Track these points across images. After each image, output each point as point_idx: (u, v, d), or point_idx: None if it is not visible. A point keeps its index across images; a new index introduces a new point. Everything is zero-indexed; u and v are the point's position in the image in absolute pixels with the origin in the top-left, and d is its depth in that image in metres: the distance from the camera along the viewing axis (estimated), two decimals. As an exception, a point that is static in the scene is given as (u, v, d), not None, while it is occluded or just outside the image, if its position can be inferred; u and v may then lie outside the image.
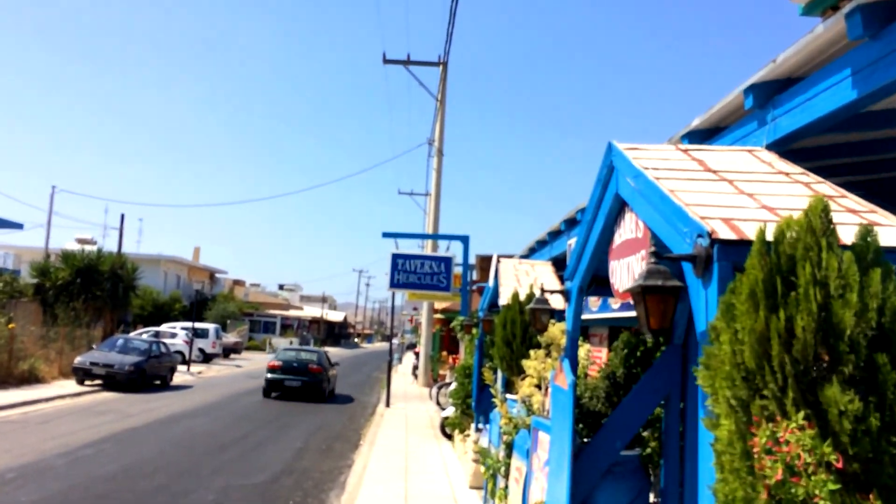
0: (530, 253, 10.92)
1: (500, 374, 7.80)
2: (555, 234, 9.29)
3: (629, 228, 3.47)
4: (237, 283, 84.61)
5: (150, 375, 23.54)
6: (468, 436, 11.80)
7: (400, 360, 50.63)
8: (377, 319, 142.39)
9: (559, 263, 9.21)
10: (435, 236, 20.58)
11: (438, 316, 33.32)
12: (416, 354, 36.82)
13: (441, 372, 32.47)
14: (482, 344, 10.33)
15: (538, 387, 6.36)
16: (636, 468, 4.52)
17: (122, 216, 32.01)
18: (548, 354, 6.19)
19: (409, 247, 15.90)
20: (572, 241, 7.74)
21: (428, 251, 22.77)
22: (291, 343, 65.89)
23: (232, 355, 46.52)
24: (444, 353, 33.20)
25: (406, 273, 14.97)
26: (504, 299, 7.99)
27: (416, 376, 32.85)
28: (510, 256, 10.75)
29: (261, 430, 15.57)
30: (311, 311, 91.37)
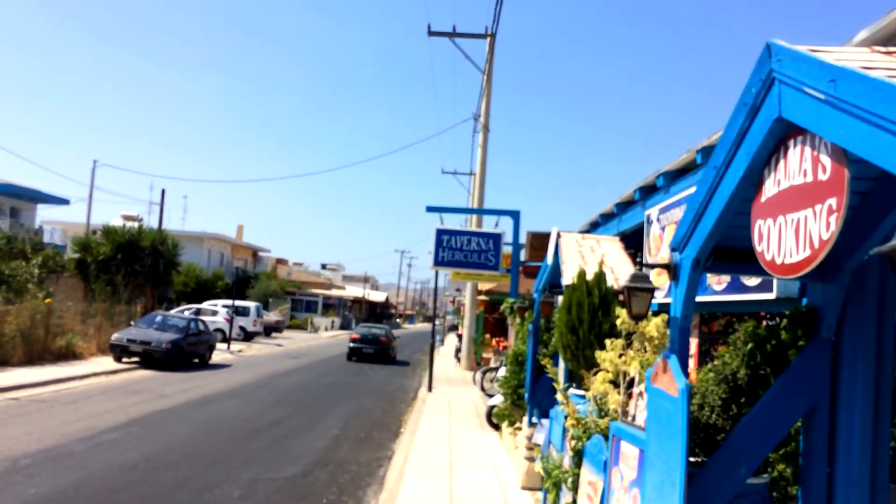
0: (591, 228, 9.79)
1: (561, 364, 6.73)
2: (624, 206, 8.16)
3: (798, 169, 2.38)
4: (280, 261, 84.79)
5: (188, 353, 23.02)
6: (519, 429, 10.77)
7: (442, 342, 49.84)
8: (419, 300, 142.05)
9: (629, 239, 8.10)
10: (482, 211, 19.21)
11: (482, 298, 32.28)
12: (459, 337, 35.88)
13: (485, 355, 31.49)
14: (537, 329, 9.26)
15: (614, 384, 5.27)
16: (764, 501, 3.43)
17: (163, 192, 31.62)
18: (628, 345, 5.09)
19: (454, 224, 14.82)
20: (651, 211, 6.61)
21: (473, 228, 21.55)
22: (333, 322, 65.85)
23: (273, 334, 46.20)
24: (488, 336, 32.19)
25: (451, 250, 13.89)
26: (567, 279, 6.89)
27: (458, 359, 31.91)
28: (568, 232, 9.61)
29: (296, 415, 14.76)
30: (353, 291, 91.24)
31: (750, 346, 3.65)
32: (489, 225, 21.47)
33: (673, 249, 3.44)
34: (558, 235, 7.76)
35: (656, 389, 3.45)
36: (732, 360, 3.77)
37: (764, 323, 4.27)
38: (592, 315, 6.30)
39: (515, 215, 14.20)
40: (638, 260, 3.60)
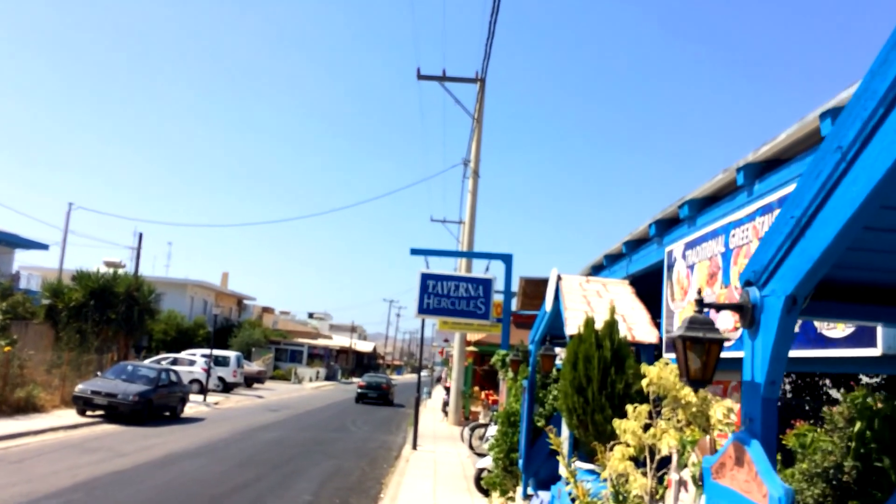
0: (594, 272, 8.77)
1: (565, 430, 5.61)
2: (635, 244, 7.15)
3: None
4: (266, 310, 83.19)
5: (157, 406, 21.62)
6: (512, 499, 9.54)
7: (429, 394, 48.27)
8: (407, 350, 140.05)
9: (640, 283, 7.07)
10: (471, 254, 18.01)
11: (471, 349, 31.02)
12: (447, 389, 34.48)
13: (473, 409, 30.11)
14: (533, 385, 8.14)
15: (636, 461, 4.15)
16: None
17: (140, 235, 30.47)
18: (657, 412, 3.99)
19: (441, 269, 13.73)
20: (674, 247, 5.58)
21: (462, 273, 20.40)
22: (318, 373, 64.11)
23: (255, 385, 44.58)
24: (477, 389, 30.84)
25: (437, 297, 12.77)
26: (572, 328, 5.82)
27: (446, 413, 30.48)
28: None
29: (266, 478, 13.43)
30: (340, 341, 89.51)
31: (859, 426, 2.58)
32: (479, 270, 20.49)
33: (748, 284, 2.40)
34: (559, 278, 6.71)
35: (724, 489, 2.35)
36: (825, 444, 2.68)
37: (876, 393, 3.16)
38: (604, 372, 5.21)
39: (507, 259, 13.13)
40: (698, 297, 2.64)
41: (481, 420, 25.44)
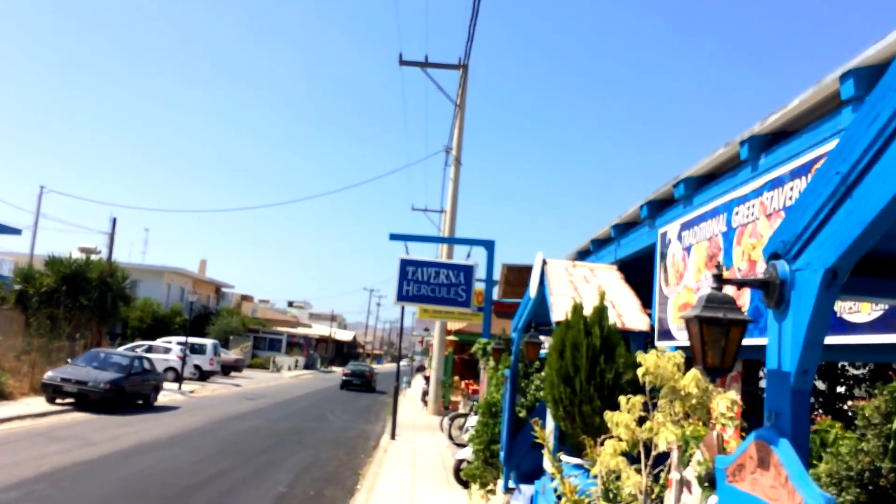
0: (581, 257, 8.46)
1: (550, 421, 5.31)
2: (625, 227, 6.83)
3: None
4: (245, 298, 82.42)
5: (129, 394, 21.13)
6: (492, 492, 9.26)
7: (409, 383, 47.99)
8: (387, 340, 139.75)
9: (628, 269, 6.77)
10: (452, 240, 17.60)
11: (452, 338, 30.75)
12: (427, 378, 34.23)
13: (453, 398, 29.86)
14: (515, 375, 7.84)
15: (629, 457, 3.85)
16: None
17: (114, 220, 29.79)
18: (653, 405, 3.69)
19: (422, 256, 13.34)
20: (668, 229, 5.26)
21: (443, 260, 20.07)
22: (297, 361, 63.63)
23: (232, 373, 44.04)
24: (457, 379, 30.60)
25: (417, 283, 12.40)
26: (558, 314, 5.51)
27: (425, 403, 30.23)
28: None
29: (240, 468, 13.06)
30: (319, 330, 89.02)
31: (898, 421, 2.28)
32: (460, 258, 20.17)
33: (774, 257, 2.09)
34: (544, 262, 6.40)
35: (744, 495, 2.05)
36: (868, 446, 2.38)
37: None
38: (592, 361, 4.90)
39: (489, 245, 12.78)
40: (716, 272, 2.34)
41: (461, 410, 25.19)
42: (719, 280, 2.23)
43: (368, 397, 37.16)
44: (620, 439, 3.91)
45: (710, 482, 3.21)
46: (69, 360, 22.12)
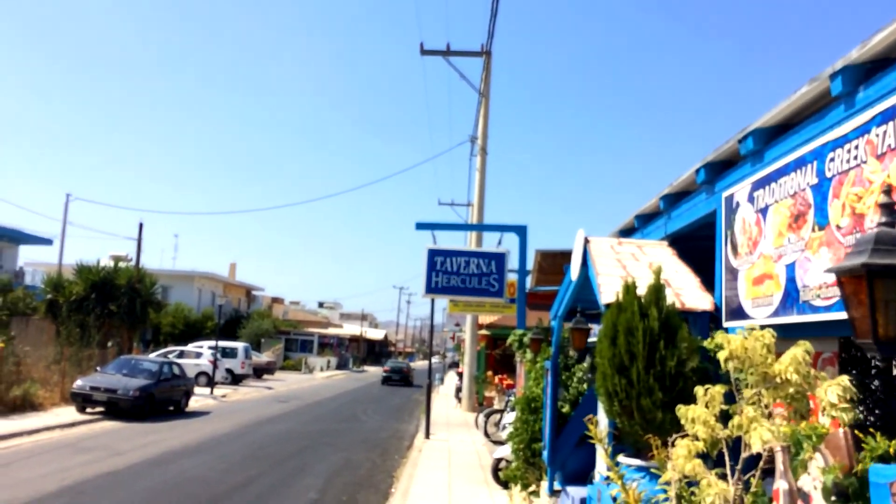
0: (623, 236, 7.74)
1: (604, 417, 4.65)
2: (675, 198, 6.10)
3: None
4: (276, 300, 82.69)
5: (160, 401, 20.83)
6: (535, 494, 8.61)
7: (442, 380, 47.48)
8: (419, 337, 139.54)
9: (680, 245, 6.07)
10: (482, 227, 16.73)
11: (483, 332, 30.11)
12: (459, 375, 33.63)
13: (487, 394, 29.22)
14: (557, 367, 7.19)
15: (706, 459, 3.19)
16: None
17: (141, 225, 29.59)
18: (732, 395, 3.02)
19: (449, 244, 12.68)
20: (734, 191, 4.53)
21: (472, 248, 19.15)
22: (329, 362, 63.47)
23: (264, 376, 43.88)
24: (490, 374, 29.96)
25: (447, 275, 11.74)
26: (608, 295, 4.85)
27: (459, 399, 29.63)
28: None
29: (269, 474, 12.57)
30: (350, 329, 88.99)
31: None
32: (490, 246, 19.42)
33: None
34: (586, 241, 5.74)
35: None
36: None
37: None
38: (651, 347, 4.24)
39: (521, 231, 12.08)
40: (885, 200, 1.76)
41: (496, 406, 24.56)
42: (890, 209, 1.57)
43: (401, 396, 36.76)
44: (696, 438, 3.25)
45: (840, 496, 2.57)
46: (98, 369, 21.87)
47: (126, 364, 21.65)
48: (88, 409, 19.70)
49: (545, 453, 7.45)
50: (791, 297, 3.76)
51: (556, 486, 7.30)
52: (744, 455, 2.84)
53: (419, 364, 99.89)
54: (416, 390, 39.47)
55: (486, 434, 18.20)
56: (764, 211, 4.16)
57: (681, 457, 3.19)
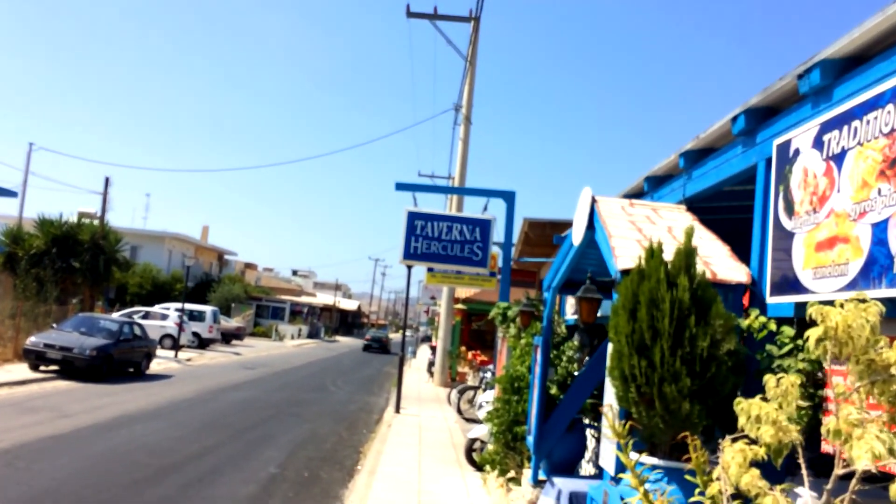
0: (632, 197, 6.96)
1: (614, 405, 3.90)
2: (699, 155, 5.30)
3: None
4: (249, 266, 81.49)
5: (119, 362, 19.89)
6: (514, 480, 7.91)
7: (414, 353, 46.92)
8: (392, 310, 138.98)
9: (703, 209, 5.30)
10: (466, 191, 15.58)
11: (459, 307, 29.41)
12: (433, 349, 32.97)
13: (460, 370, 28.61)
14: (548, 344, 6.44)
15: (762, 468, 2.46)
16: None
17: (107, 179, 28.35)
18: (814, 380, 2.27)
19: (430, 207, 11.81)
20: (792, 136, 3.75)
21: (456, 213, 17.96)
22: (300, 330, 62.61)
23: (233, 341, 42.95)
24: (464, 349, 29.33)
25: (427, 240, 10.86)
26: (625, 261, 4.09)
27: (431, 374, 28.99)
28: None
29: (228, 444, 11.78)
30: (324, 299, 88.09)
31: None
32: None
33: None
34: (594, 200, 4.96)
35: None
36: None
37: None
38: (679, 323, 3.49)
39: (509, 197, 11.22)
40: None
41: (469, 382, 23.94)
42: None
43: (372, 367, 36.14)
44: (750, 441, 2.51)
45: None
46: (55, 326, 20.84)
47: (84, 322, 20.66)
48: (42, 368, 18.74)
49: (529, 438, 6.73)
50: (878, 265, 3.01)
51: (541, 476, 6.60)
52: (837, 472, 2.09)
53: (392, 336, 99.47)
54: (390, 360, 38.87)
55: (459, 411, 17.55)
56: (839, 158, 3.38)
57: (734, 464, 2.43)
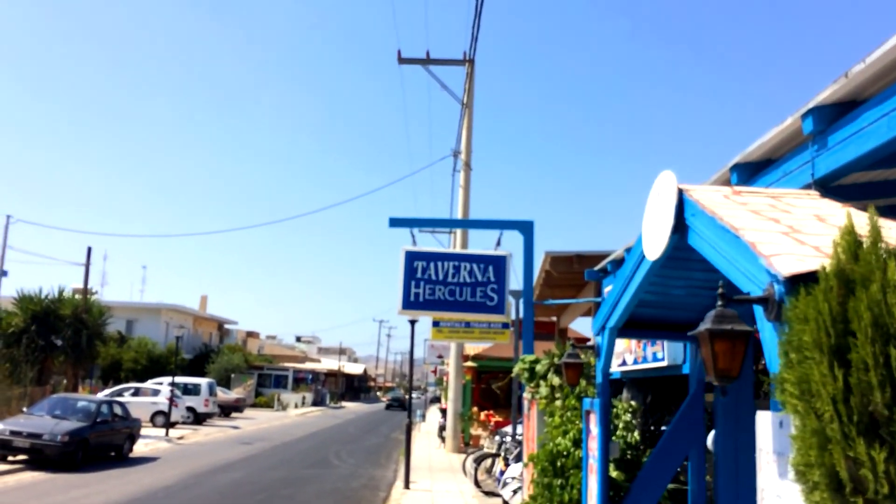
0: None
1: (772, 484, 2.08)
2: (840, 114, 3.61)
3: None
4: (251, 334, 79.57)
5: (96, 446, 17.93)
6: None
7: (423, 416, 44.62)
8: (399, 372, 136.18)
9: (840, 192, 3.63)
10: (474, 223, 13.01)
11: (469, 364, 27.44)
12: (443, 411, 30.84)
13: (473, 432, 26.50)
14: (607, 407, 4.65)
15: None
16: None
17: (89, 249, 26.74)
18: None
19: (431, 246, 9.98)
20: None
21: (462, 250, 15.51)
22: (304, 398, 60.25)
23: (233, 414, 40.77)
24: (476, 410, 27.25)
25: (430, 284, 8.96)
26: (792, 262, 2.33)
27: (442, 438, 26.83)
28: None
29: (204, 545, 9.81)
30: (329, 364, 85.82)
31: None
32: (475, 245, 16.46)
33: None
34: (681, 191, 3.26)
35: None
36: None
37: None
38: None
39: (526, 228, 9.33)
40: None
41: (485, 446, 21.86)
42: None
43: (379, 434, 34.12)
44: None
45: None
46: (24, 410, 18.93)
47: (59, 404, 18.77)
48: (10, 458, 16.80)
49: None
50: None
51: None
52: None
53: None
54: (400, 424, 36.72)
55: (477, 483, 15.49)
56: None
57: None
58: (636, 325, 4.48)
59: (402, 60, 26.93)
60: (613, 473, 4.92)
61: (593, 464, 4.65)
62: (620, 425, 5.38)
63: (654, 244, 3.41)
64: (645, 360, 5.63)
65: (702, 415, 4.48)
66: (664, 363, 5.23)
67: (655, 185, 3.50)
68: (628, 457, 5.21)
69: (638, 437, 5.28)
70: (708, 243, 2.97)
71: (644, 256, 3.64)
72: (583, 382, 5.66)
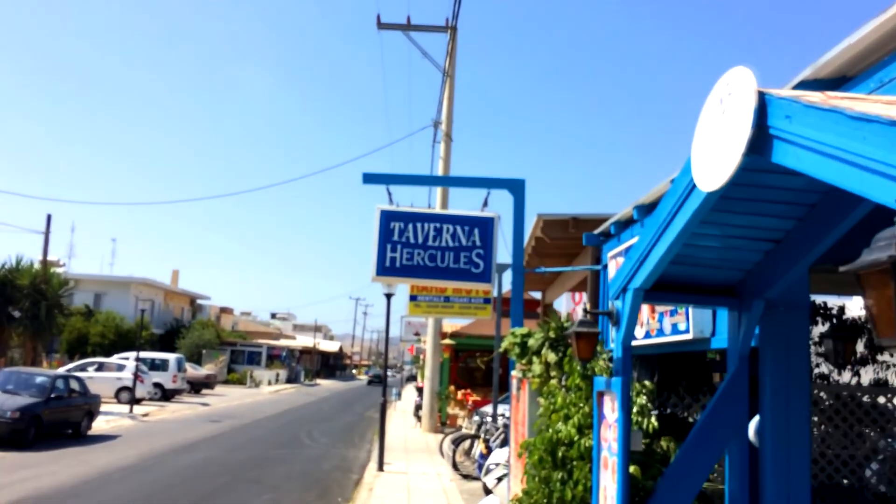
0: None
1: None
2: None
3: None
4: (224, 310, 78.13)
5: (50, 423, 16.87)
6: None
7: (399, 395, 43.85)
8: (375, 350, 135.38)
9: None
10: (459, 181, 11.52)
11: (447, 342, 26.60)
12: (419, 390, 30.05)
13: (451, 412, 25.74)
14: (627, 393, 3.75)
15: None
16: None
17: (49, 217, 25.37)
18: None
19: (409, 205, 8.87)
20: None
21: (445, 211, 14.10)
22: (278, 375, 59.26)
23: (204, 390, 39.68)
24: (453, 388, 26.46)
25: (409, 248, 7.95)
26: None
27: (418, 418, 26.05)
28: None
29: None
30: (304, 341, 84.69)
31: None
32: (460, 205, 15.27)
33: None
34: (761, 94, 2.35)
35: None
36: None
37: None
38: None
39: (516, 188, 8.32)
40: None
41: (463, 427, 21.09)
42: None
43: (353, 413, 33.18)
44: None
45: None
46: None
47: (11, 378, 17.64)
48: (-44, 435, 15.72)
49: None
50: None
51: None
52: None
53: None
54: (376, 402, 36.00)
55: (455, 465, 14.69)
56: None
57: None
58: (660, 287, 3.57)
59: (381, 26, 25.85)
60: (631, 468, 4.05)
61: (608, 457, 3.78)
62: (635, 409, 4.52)
63: (716, 168, 2.51)
64: (661, 332, 4.76)
65: (745, 399, 3.62)
66: (688, 335, 4.35)
67: (717, 89, 2.60)
68: (642, 447, 4.35)
69: (656, 424, 4.41)
70: (820, 153, 2.07)
71: (694, 187, 2.75)
72: (573, 362, 4.71)
